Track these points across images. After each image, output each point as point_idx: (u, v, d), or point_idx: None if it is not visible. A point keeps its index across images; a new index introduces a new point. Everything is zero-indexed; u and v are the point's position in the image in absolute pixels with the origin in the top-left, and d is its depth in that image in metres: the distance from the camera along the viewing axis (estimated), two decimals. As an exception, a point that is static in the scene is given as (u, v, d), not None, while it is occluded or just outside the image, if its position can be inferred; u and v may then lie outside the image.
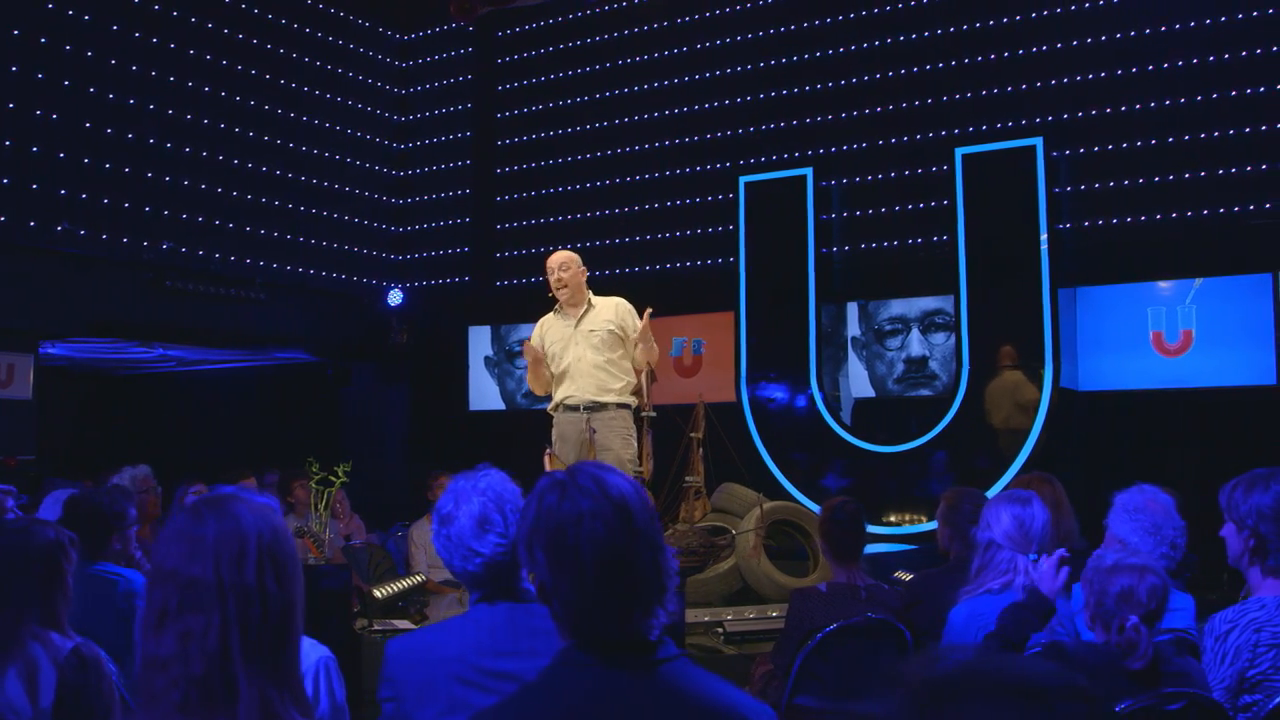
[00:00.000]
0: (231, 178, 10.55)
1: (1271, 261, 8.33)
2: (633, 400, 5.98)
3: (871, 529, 8.86)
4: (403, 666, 2.57)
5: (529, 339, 6.21)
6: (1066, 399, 8.75)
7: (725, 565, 6.10)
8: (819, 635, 4.21)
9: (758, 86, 10.54)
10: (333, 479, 6.24)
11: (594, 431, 5.80)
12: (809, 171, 9.82)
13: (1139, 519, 3.90)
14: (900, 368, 9.91)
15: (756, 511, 6.41)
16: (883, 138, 9.93)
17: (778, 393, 9.80)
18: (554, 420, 6.06)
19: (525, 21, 11.84)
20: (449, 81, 12.41)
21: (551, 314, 6.29)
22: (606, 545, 1.74)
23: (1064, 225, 9.04)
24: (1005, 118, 9.37)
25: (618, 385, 5.99)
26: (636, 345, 5.97)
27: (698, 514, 5.30)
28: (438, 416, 11.94)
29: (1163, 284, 8.78)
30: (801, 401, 9.70)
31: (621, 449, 5.84)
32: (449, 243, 12.27)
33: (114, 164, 9.49)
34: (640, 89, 11.21)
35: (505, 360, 11.63)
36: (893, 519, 9.27)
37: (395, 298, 11.72)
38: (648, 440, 5.72)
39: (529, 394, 11.55)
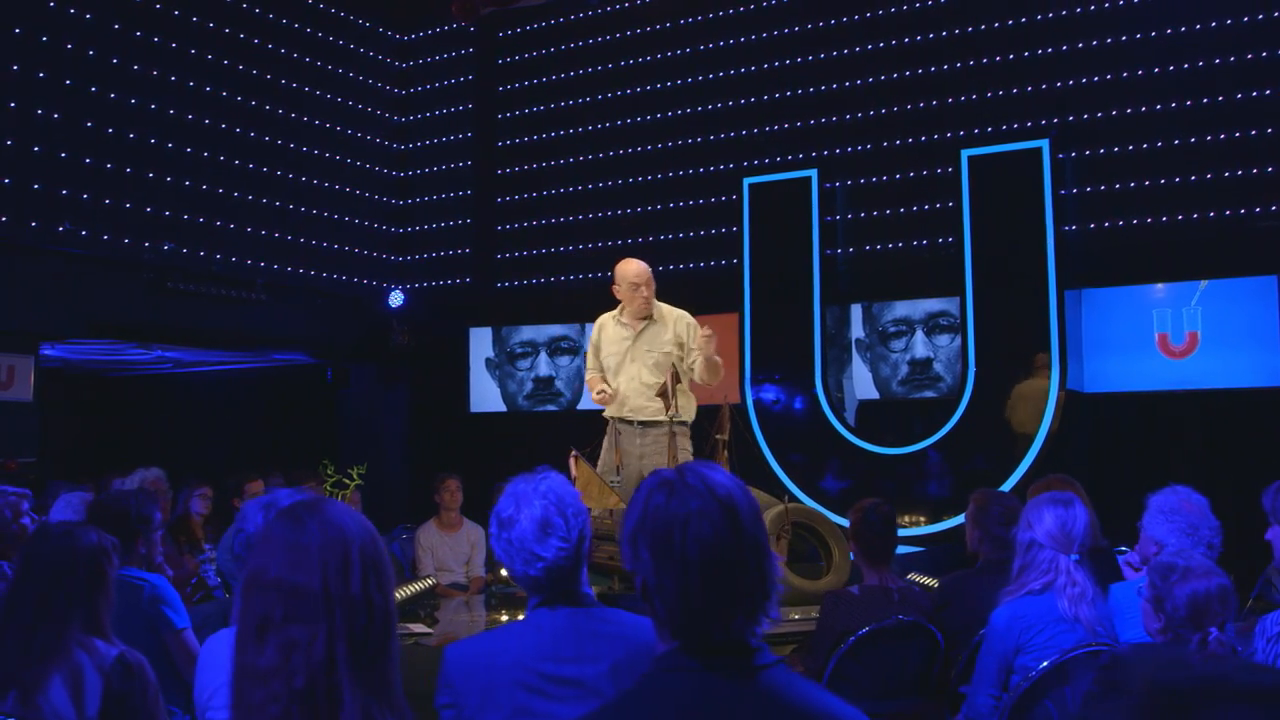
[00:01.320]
0: (232, 178, 10.48)
1: (1277, 264, 8.34)
2: (686, 416, 5.84)
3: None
4: (463, 673, 2.53)
5: (596, 375, 6.07)
6: (1072, 401, 8.74)
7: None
8: (852, 638, 4.20)
9: (762, 88, 10.53)
10: (346, 481, 6.20)
11: (642, 454, 5.72)
12: (814, 173, 9.80)
13: (1175, 520, 3.90)
14: (905, 369, 9.90)
15: (773, 513, 6.38)
16: (888, 139, 9.93)
17: (782, 394, 9.78)
18: (611, 426, 5.90)
19: (526, 22, 11.81)
20: (450, 82, 12.36)
21: (610, 316, 6.14)
22: (713, 546, 1.71)
23: (1070, 227, 9.04)
24: (1011, 120, 9.38)
25: (660, 405, 5.79)
26: (694, 359, 5.81)
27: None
28: (438, 418, 11.89)
29: (1158, 287, 8.79)
30: (805, 403, 9.68)
31: (666, 462, 5.68)
32: (450, 244, 12.22)
33: (115, 164, 9.42)
34: (643, 90, 11.19)
35: (506, 362, 11.59)
36: (898, 521, 9.24)
37: (396, 299, 11.66)
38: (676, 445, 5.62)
39: (530, 395, 11.59)
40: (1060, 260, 8.74)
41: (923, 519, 8.94)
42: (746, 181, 10.07)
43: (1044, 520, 3.67)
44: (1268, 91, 8.49)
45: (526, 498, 2.57)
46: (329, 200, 11.56)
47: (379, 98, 12.25)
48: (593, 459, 5.09)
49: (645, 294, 5.93)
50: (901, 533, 9.08)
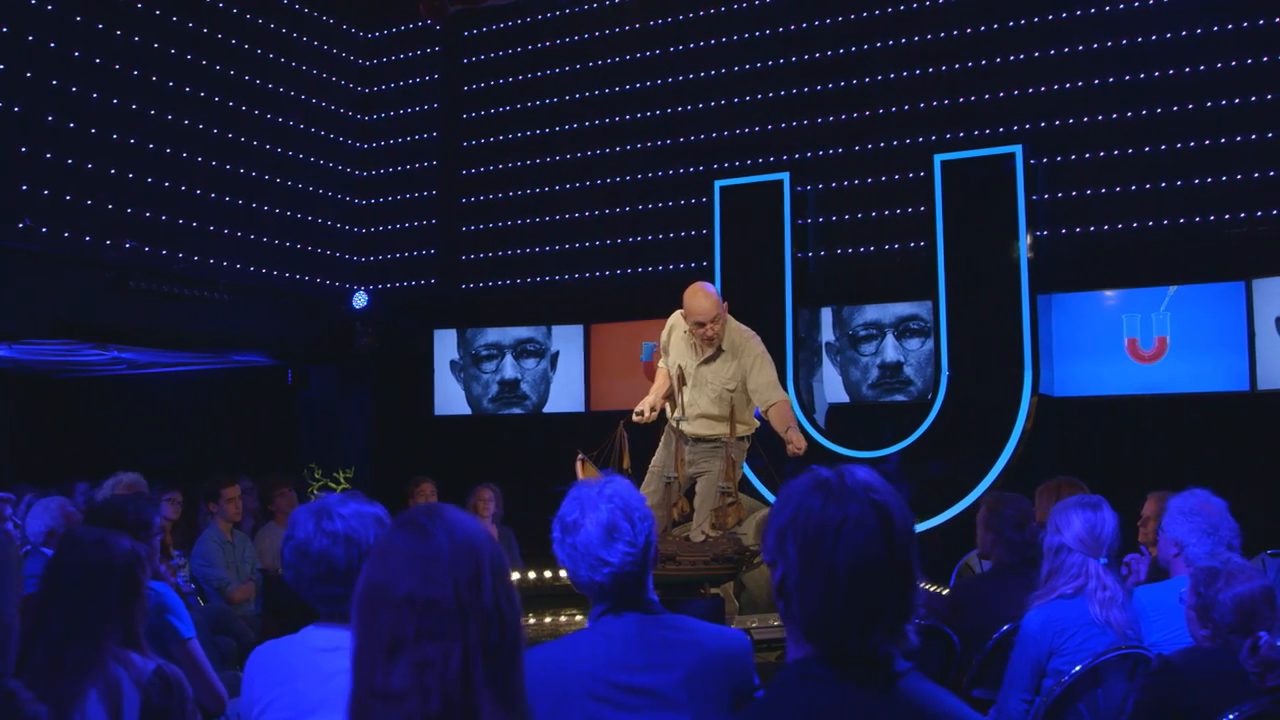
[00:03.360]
0: (194, 175, 10.24)
1: (1245, 270, 8.47)
2: (745, 431, 5.68)
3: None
4: (531, 683, 2.45)
5: (663, 379, 5.84)
6: (1042, 405, 8.81)
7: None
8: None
9: (734, 90, 10.50)
10: (333, 485, 6.07)
11: (690, 460, 5.63)
12: (786, 176, 9.81)
13: (1195, 520, 3.93)
14: (875, 373, 9.93)
15: (758, 517, 6.35)
16: (861, 143, 9.95)
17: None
18: (670, 426, 5.70)
19: (493, 21, 11.68)
20: (415, 81, 12.19)
21: (682, 319, 5.71)
22: (864, 557, 1.66)
23: (1041, 232, 9.13)
24: (984, 125, 9.44)
25: (725, 429, 5.62)
26: (763, 406, 5.62)
27: (731, 520, 5.21)
28: (402, 421, 11.72)
29: (1109, 294, 8.89)
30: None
31: (718, 472, 5.62)
32: (414, 245, 12.06)
33: (76, 160, 9.16)
34: (612, 91, 11.12)
35: (472, 364, 11.46)
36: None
37: (360, 300, 11.48)
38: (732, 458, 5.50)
39: (496, 398, 11.47)
40: (1033, 265, 8.83)
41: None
42: (718, 184, 10.06)
43: (1073, 524, 3.67)
44: (1236, 100, 8.63)
45: (592, 502, 2.50)
46: (292, 199, 11.35)
47: (343, 96, 12.06)
48: (599, 462, 5.00)
49: (709, 333, 5.53)
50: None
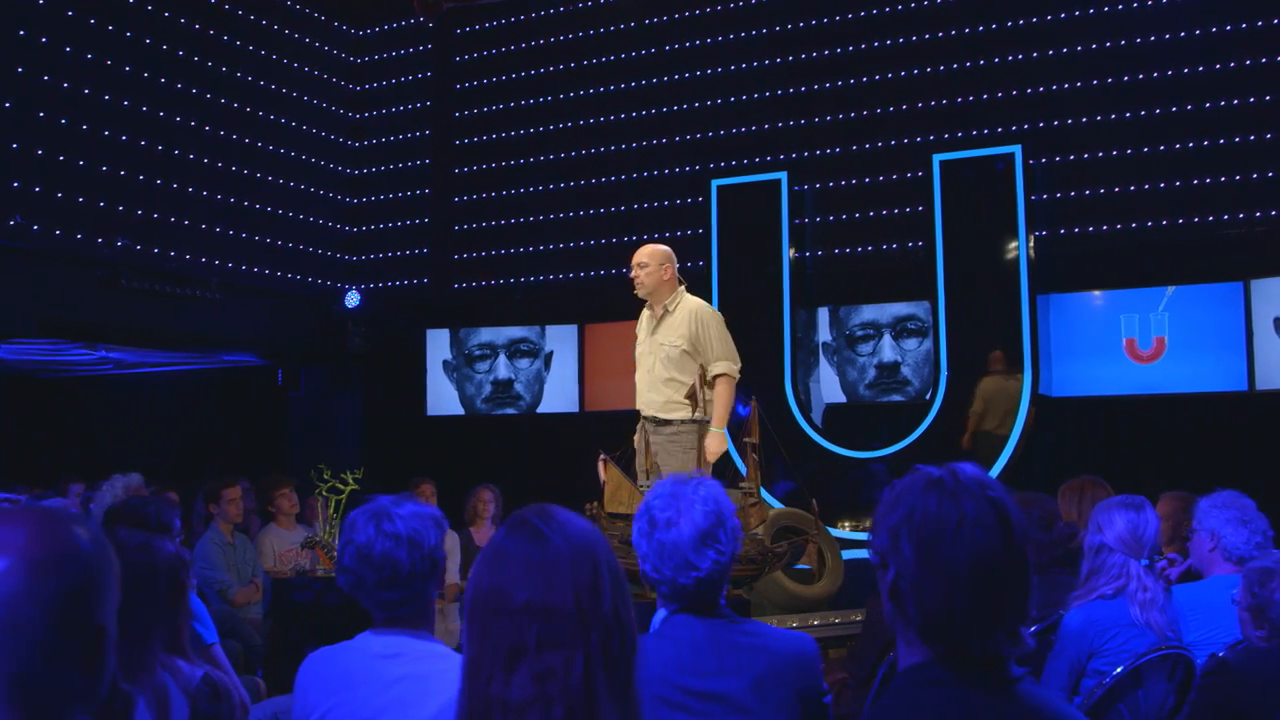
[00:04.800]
0: (185, 173, 10.13)
1: (1243, 270, 8.49)
2: (699, 414, 5.67)
3: (851, 535, 8.93)
4: (599, 689, 2.41)
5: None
6: (1040, 405, 8.82)
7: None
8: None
9: (731, 89, 10.46)
10: (341, 487, 5.99)
11: (655, 450, 5.58)
12: (784, 176, 9.78)
13: (1228, 512, 3.94)
14: (872, 373, 9.91)
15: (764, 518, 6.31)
16: (859, 143, 9.93)
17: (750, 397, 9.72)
18: (641, 424, 5.74)
19: (486, 18, 11.60)
20: (407, 79, 12.10)
21: (646, 308, 5.98)
22: (984, 556, 1.62)
23: (1040, 232, 9.13)
24: (982, 125, 9.44)
25: (682, 402, 5.67)
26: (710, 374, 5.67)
27: (753, 520, 5.16)
28: (394, 422, 11.62)
29: (1107, 294, 8.92)
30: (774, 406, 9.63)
31: (679, 470, 5.50)
32: (407, 244, 11.96)
33: (67, 157, 9.03)
34: (607, 89, 11.06)
35: (464, 364, 11.38)
36: (868, 525, 9.25)
37: (353, 300, 11.38)
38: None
39: (489, 399, 11.39)
40: (1033, 265, 8.84)
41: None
42: (714, 183, 10.02)
43: (1115, 524, 3.64)
44: (1235, 101, 8.66)
45: (689, 502, 2.45)
46: (283, 198, 11.24)
47: (334, 93, 11.95)
48: (621, 463, 4.96)
49: (637, 275, 5.80)
50: (866, 537, 9.17)
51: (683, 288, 5.86)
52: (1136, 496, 3.74)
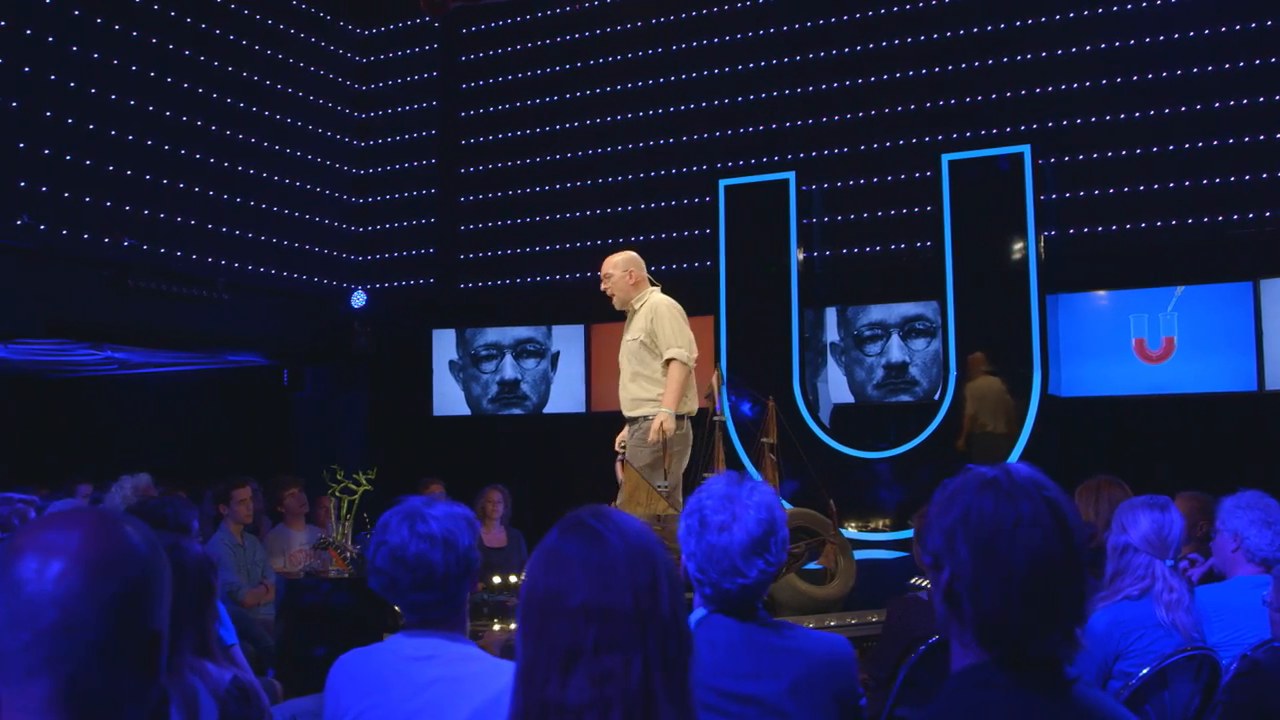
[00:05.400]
0: (192, 172, 10.11)
1: (1252, 270, 8.49)
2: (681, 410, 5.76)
3: (860, 536, 8.91)
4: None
5: None
6: (1049, 405, 8.81)
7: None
8: (922, 647, 4.11)
9: (739, 89, 10.44)
10: (353, 487, 5.97)
11: (624, 449, 5.70)
12: (792, 175, 9.76)
13: (1252, 513, 3.93)
14: (880, 373, 9.90)
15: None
16: (867, 143, 9.91)
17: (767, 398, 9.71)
18: None
19: (493, 18, 11.58)
20: (413, 78, 12.07)
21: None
22: (1042, 556, 1.61)
23: (1049, 232, 9.12)
24: (990, 125, 9.43)
25: (650, 398, 5.81)
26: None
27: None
28: (400, 422, 11.60)
29: (1116, 294, 8.90)
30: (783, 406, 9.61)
31: (647, 465, 5.69)
32: (413, 244, 11.94)
33: (75, 156, 9.00)
34: (614, 89, 11.03)
35: (471, 365, 11.36)
36: (875, 525, 9.23)
37: (359, 299, 11.35)
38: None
39: (496, 399, 11.37)
40: (1042, 265, 8.82)
41: (884, 523, 8.95)
42: (722, 183, 9.99)
43: (1140, 524, 3.62)
44: (1244, 100, 8.65)
45: (744, 506, 2.41)
46: (289, 197, 11.22)
47: (341, 93, 11.93)
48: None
49: (605, 287, 6.03)
50: (880, 537, 9.15)
51: (655, 288, 6.02)
52: (1160, 496, 3.72)
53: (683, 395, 5.72)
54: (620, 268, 5.97)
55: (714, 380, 5.59)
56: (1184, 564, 3.88)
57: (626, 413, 5.86)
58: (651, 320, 5.87)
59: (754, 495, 2.44)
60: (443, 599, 2.46)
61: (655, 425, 5.56)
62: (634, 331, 5.90)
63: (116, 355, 11.02)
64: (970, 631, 1.65)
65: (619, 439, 5.84)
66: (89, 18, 9.21)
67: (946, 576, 1.66)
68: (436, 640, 2.49)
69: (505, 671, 2.45)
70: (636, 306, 5.97)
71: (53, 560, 1.37)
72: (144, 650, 1.40)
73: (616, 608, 1.49)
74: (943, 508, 1.69)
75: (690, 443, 5.74)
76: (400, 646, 2.51)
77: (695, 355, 5.86)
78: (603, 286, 6.02)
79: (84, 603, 1.35)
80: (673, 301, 5.97)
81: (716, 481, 2.49)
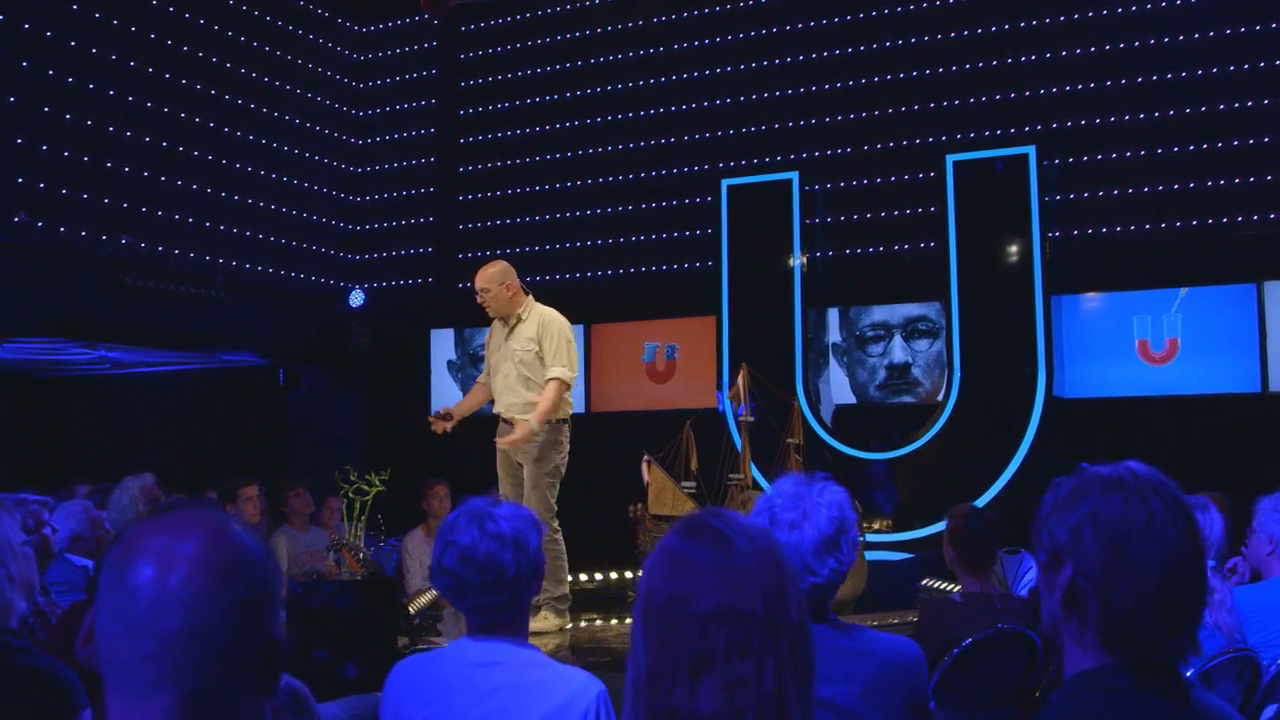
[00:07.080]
0: (190, 170, 10.00)
1: (1256, 271, 8.51)
2: (557, 415, 6.05)
3: (865, 537, 8.88)
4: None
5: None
6: (1052, 406, 8.81)
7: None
8: (956, 649, 4.08)
9: (742, 88, 10.40)
10: (365, 488, 5.89)
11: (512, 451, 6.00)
12: (795, 175, 9.73)
13: None
14: (882, 374, 9.88)
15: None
16: (871, 143, 9.88)
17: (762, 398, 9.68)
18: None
19: (492, 16, 11.51)
20: (411, 76, 11.99)
21: (497, 320, 6.36)
22: (1175, 554, 1.58)
23: (1052, 233, 9.12)
24: (995, 125, 9.42)
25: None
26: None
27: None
28: (398, 422, 11.50)
29: (1119, 295, 8.91)
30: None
31: (536, 467, 6.01)
32: (411, 243, 11.86)
33: (72, 153, 8.89)
34: (615, 88, 10.98)
35: (469, 365, 11.28)
36: (877, 526, 9.20)
37: (357, 299, 11.26)
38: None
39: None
40: (1046, 266, 8.82)
41: (916, 522, 8.91)
42: (725, 183, 9.96)
43: (1179, 526, 3.60)
44: (1249, 102, 8.66)
45: (815, 505, 2.37)
46: (287, 196, 11.12)
47: (339, 91, 11.84)
48: (665, 464, 4.89)
49: (482, 300, 6.20)
50: (876, 538, 9.12)
51: (529, 298, 6.28)
52: (1200, 496, 3.70)
53: (556, 410, 6.01)
54: (496, 281, 6.15)
55: (741, 380, 5.54)
56: (1229, 565, 3.87)
57: (514, 416, 6.07)
58: (540, 334, 6.10)
59: (825, 494, 2.40)
60: (510, 601, 2.41)
61: (514, 434, 5.91)
62: (525, 342, 6.12)
63: (110, 355, 10.89)
64: (1093, 631, 1.61)
65: (504, 439, 6.11)
66: (86, 13, 9.11)
67: (1069, 574, 1.62)
68: (502, 645, 2.43)
69: (570, 679, 2.40)
70: (523, 315, 6.18)
71: (174, 564, 1.30)
72: (264, 661, 1.34)
73: (748, 611, 1.44)
74: (1065, 505, 1.65)
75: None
76: (465, 651, 2.46)
77: (575, 376, 6.18)
78: (479, 300, 6.18)
79: (212, 605, 1.29)
80: (564, 321, 6.24)
81: (786, 481, 2.45)
